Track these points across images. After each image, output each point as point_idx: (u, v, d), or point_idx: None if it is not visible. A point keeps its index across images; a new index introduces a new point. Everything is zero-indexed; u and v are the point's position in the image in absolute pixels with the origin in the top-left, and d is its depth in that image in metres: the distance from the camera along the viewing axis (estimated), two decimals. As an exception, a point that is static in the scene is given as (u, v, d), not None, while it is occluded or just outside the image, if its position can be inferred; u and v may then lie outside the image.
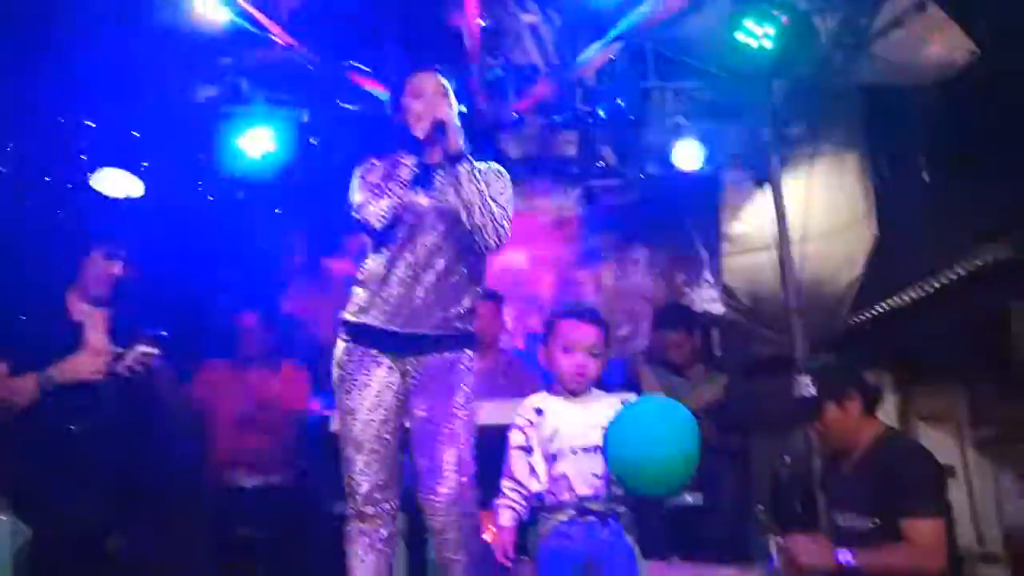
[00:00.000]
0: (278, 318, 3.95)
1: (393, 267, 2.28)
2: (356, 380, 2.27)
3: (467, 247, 2.31)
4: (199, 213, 4.30)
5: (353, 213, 2.30)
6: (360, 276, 2.34)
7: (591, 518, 2.05)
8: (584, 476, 2.05)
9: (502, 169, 2.45)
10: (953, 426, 4.39)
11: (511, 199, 2.40)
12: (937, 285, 3.73)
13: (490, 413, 2.95)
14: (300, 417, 3.63)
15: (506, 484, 2.15)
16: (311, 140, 4.12)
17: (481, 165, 2.36)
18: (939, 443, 4.35)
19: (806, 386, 2.61)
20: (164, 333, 2.77)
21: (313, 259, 4.72)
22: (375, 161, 2.38)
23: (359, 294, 2.33)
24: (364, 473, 2.22)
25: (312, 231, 4.69)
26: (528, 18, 3.99)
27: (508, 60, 4.10)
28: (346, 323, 2.33)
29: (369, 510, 2.21)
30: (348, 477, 2.24)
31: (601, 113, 4.21)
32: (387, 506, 2.24)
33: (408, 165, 2.28)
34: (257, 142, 3.91)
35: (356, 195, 2.32)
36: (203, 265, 4.21)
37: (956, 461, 4.29)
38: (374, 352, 2.28)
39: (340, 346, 2.32)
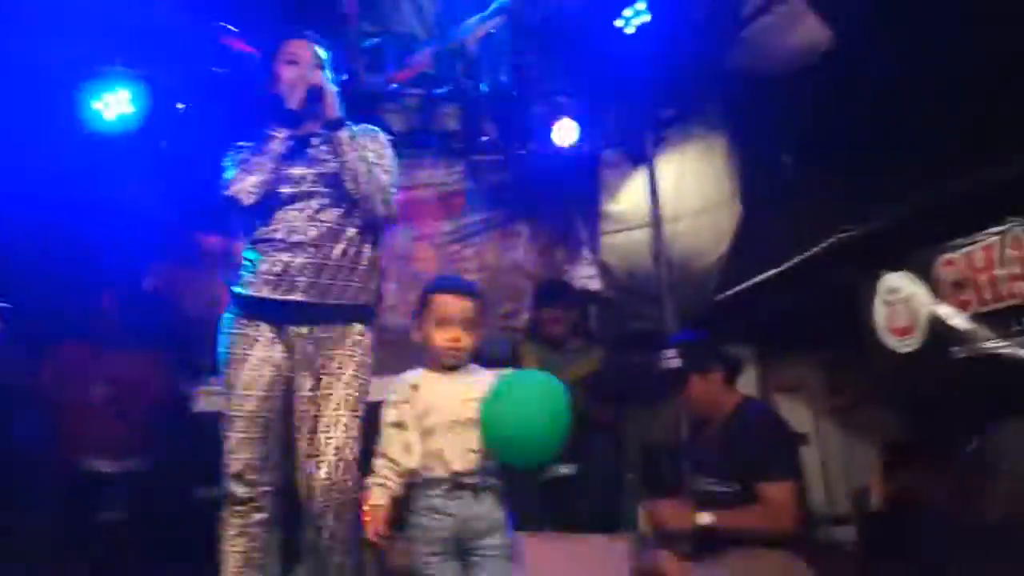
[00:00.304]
0: (140, 297, 3.72)
1: (273, 238, 2.21)
2: (235, 354, 2.18)
3: (355, 214, 2.26)
4: (54, 180, 3.98)
5: (223, 192, 2.23)
6: (244, 251, 2.27)
7: (465, 492, 2.04)
8: (458, 451, 2.04)
9: (379, 131, 2.41)
10: (808, 396, 4.69)
11: (394, 162, 2.38)
12: (795, 263, 3.94)
13: (373, 389, 2.93)
14: (161, 399, 3.45)
15: (378, 462, 2.11)
16: (178, 105, 3.89)
17: (358, 129, 2.31)
18: (795, 412, 4.63)
19: (672, 359, 2.71)
20: (7, 305, 2.56)
21: (182, 233, 4.47)
22: (243, 143, 2.31)
23: (244, 267, 2.25)
24: (236, 452, 2.13)
25: (182, 203, 4.44)
26: (408, -15, 3.91)
27: (387, 29, 4.01)
28: (232, 295, 2.26)
29: (241, 491, 2.12)
30: (224, 456, 2.16)
31: (483, 87, 4.19)
32: (262, 488, 2.16)
33: (279, 137, 2.22)
34: (116, 105, 3.66)
35: (227, 175, 2.25)
36: (62, 236, 3.91)
37: (810, 429, 4.59)
38: (256, 324, 2.20)
39: (225, 318, 2.24)
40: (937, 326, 3.47)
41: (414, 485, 2.10)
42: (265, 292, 2.18)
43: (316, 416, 2.17)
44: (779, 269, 4.10)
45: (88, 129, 3.74)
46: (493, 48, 4.14)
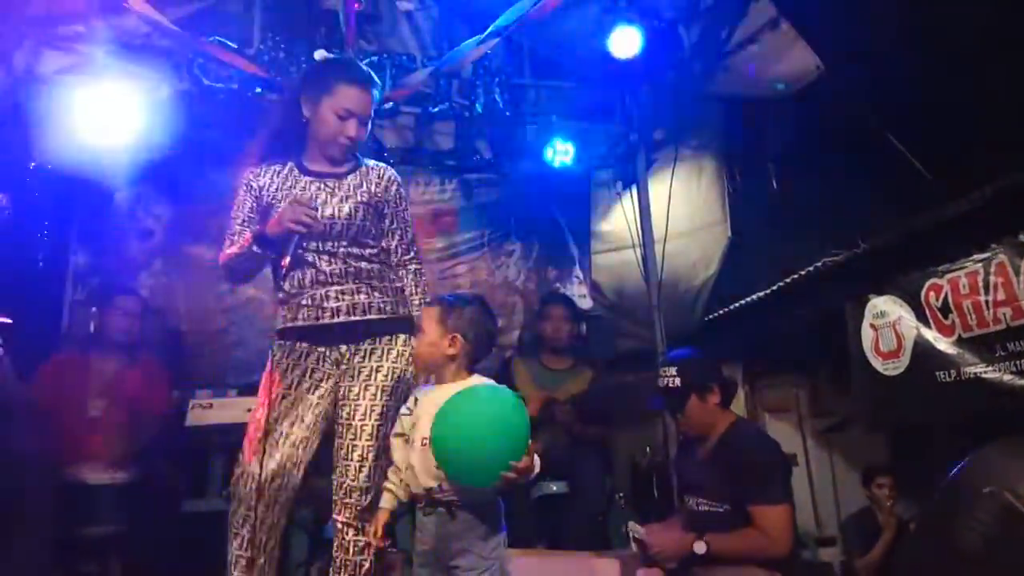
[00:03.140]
0: (133, 310, 3.71)
1: (304, 273, 2.28)
2: (288, 376, 2.28)
3: (369, 246, 2.34)
4: (49, 192, 3.99)
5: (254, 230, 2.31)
6: (279, 291, 2.32)
7: (439, 509, 2.03)
8: (427, 467, 2.02)
9: (395, 174, 2.46)
10: (795, 417, 4.73)
11: (407, 202, 2.47)
12: (782, 285, 3.99)
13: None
14: (154, 412, 3.45)
15: (390, 469, 2.17)
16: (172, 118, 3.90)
17: (376, 168, 2.40)
18: (783, 433, 4.68)
19: (671, 377, 2.70)
20: (8, 320, 2.56)
21: (172, 245, 4.46)
22: (261, 170, 2.37)
23: (282, 306, 2.33)
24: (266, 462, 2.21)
25: (173, 216, 4.44)
26: (404, 5, 3.96)
27: (384, 48, 4.05)
28: (277, 330, 2.34)
29: (260, 498, 2.17)
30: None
31: (478, 107, 4.23)
32: (282, 496, 2.21)
33: (297, 176, 2.33)
34: (119, 117, 3.66)
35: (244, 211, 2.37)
36: (54, 250, 3.91)
37: (798, 450, 4.63)
38: (305, 346, 2.29)
39: (274, 349, 2.33)
40: (922, 350, 3.52)
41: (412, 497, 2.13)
42: (308, 320, 2.36)
43: (346, 431, 2.26)
44: (767, 291, 4.15)
45: (86, 142, 3.74)
46: (488, 69, 4.19)
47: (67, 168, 3.86)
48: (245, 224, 2.33)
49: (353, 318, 2.27)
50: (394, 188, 2.40)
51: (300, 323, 2.28)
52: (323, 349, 2.31)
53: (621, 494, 3.94)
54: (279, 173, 2.35)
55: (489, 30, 3.62)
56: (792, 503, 2.54)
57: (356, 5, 3.67)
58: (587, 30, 3.61)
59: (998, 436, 2.77)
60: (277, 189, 2.31)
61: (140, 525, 3.16)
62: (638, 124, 4.13)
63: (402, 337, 2.33)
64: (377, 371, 2.28)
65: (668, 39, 3.40)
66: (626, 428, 4.30)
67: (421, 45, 4.12)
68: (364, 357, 2.29)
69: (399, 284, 2.39)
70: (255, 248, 2.22)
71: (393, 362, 2.30)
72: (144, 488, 3.29)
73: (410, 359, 2.31)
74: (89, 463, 3.28)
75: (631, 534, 2.70)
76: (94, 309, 3.53)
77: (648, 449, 4.21)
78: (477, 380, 2.13)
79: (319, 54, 2.52)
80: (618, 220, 4.58)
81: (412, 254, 2.46)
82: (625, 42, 3.47)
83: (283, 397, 2.26)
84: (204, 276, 4.19)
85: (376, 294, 2.30)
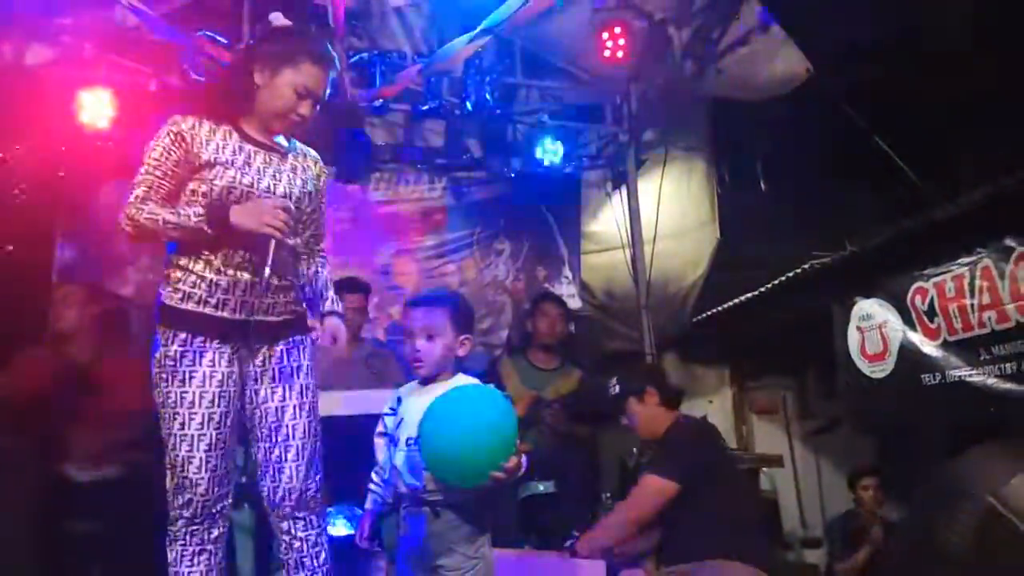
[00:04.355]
0: (117, 306, 3.68)
1: (216, 253, 2.04)
2: (195, 371, 2.04)
3: (299, 233, 2.17)
4: (36, 184, 3.95)
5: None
6: (181, 262, 2.06)
7: (423, 509, 2.00)
8: (412, 466, 2.00)
9: (318, 158, 2.28)
10: (782, 419, 4.76)
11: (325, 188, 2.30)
12: (770, 286, 4.01)
13: (352, 403, 2.90)
14: (138, 408, 3.42)
15: (374, 470, 2.14)
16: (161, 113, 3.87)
17: (308, 151, 2.25)
18: (769, 435, 4.71)
19: (613, 385, 2.87)
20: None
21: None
22: (195, 122, 2.09)
23: (183, 279, 2.06)
24: (201, 472, 2.01)
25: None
26: (395, 2, 3.94)
27: (374, 44, 4.03)
28: (172, 310, 2.05)
29: (204, 509, 2.03)
30: (182, 477, 2.02)
31: (468, 105, 4.22)
32: (222, 505, 2.08)
33: (240, 143, 2.09)
34: (102, 109, 3.64)
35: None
36: (39, 239, 3.87)
37: (784, 451, 4.65)
38: (208, 341, 2.04)
39: (166, 335, 2.04)
40: (908, 353, 3.54)
41: (397, 499, 2.11)
42: (216, 310, 2.12)
43: (278, 428, 2.10)
44: (755, 292, 4.17)
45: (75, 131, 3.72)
46: (479, 67, 4.18)
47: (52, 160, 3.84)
48: (166, 178, 2.03)
49: (272, 318, 2.11)
50: (323, 176, 2.27)
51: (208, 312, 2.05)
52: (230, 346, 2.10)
53: (608, 494, 3.93)
54: (216, 132, 2.09)
55: (480, 28, 3.61)
56: (676, 484, 2.53)
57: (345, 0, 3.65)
58: (578, 29, 3.61)
59: (982, 439, 2.80)
60: (218, 150, 2.06)
61: (122, 522, 3.14)
62: (628, 124, 4.13)
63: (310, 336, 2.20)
64: (298, 370, 2.15)
65: (658, 39, 3.40)
66: (613, 428, 4.30)
67: (412, 43, 4.10)
68: (282, 357, 2.14)
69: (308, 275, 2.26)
70: (207, 229, 1.96)
71: (310, 360, 2.18)
72: (128, 484, 3.27)
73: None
74: (74, 459, 3.25)
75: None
76: (79, 305, 3.49)
77: (635, 450, 4.21)
78: (463, 379, 2.10)
79: (277, 18, 2.18)
80: (608, 220, 4.58)
81: (322, 245, 2.33)
82: (616, 42, 3.46)
83: (192, 403, 2.05)
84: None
85: (292, 292, 2.15)
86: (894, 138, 3.82)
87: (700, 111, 4.12)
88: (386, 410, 2.16)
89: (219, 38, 3.64)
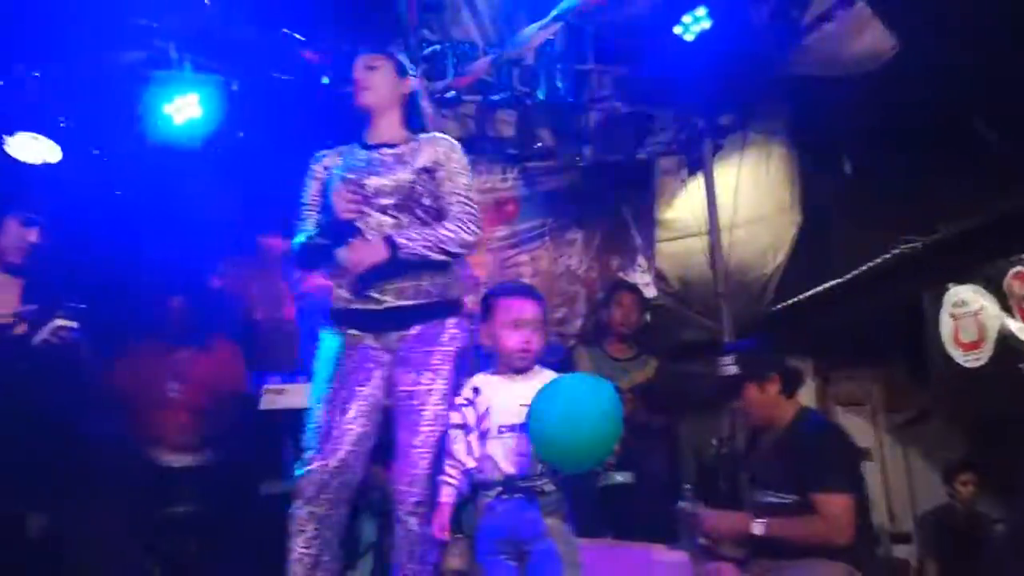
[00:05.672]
0: (208, 298, 3.82)
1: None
2: (343, 363, 2.22)
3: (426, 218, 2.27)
4: (124, 183, 4.12)
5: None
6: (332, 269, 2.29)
7: (518, 496, 2.04)
8: (510, 454, 2.05)
9: (454, 141, 2.40)
10: (869, 411, 4.61)
11: (468, 170, 2.37)
12: (855, 274, 3.88)
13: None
14: (231, 396, 3.55)
15: (447, 461, 2.15)
16: (242, 111, 3.99)
17: (432, 138, 2.36)
18: (856, 427, 4.56)
19: (728, 366, 2.71)
20: (83, 306, 2.64)
21: (247, 235, 4.58)
22: (325, 152, 2.38)
23: (337, 284, 2.28)
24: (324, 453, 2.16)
25: (246, 206, 4.55)
26: (465, -8, 3.96)
27: (446, 35, 4.06)
28: (330, 311, 2.29)
29: (318, 491, 2.13)
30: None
31: (540, 94, 4.21)
32: (344, 492, 2.17)
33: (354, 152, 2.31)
34: (184, 109, 3.76)
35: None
36: (129, 239, 4.04)
37: (872, 444, 4.51)
38: (357, 333, 2.23)
39: (325, 334, 2.27)
40: (1007, 341, 3.39)
41: (476, 487, 2.13)
42: (360, 303, 2.29)
43: (406, 415, 2.20)
44: (839, 280, 4.04)
45: (156, 133, 3.85)
46: (550, 55, 4.16)
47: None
48: (310, 209, 2.34)
49: (402, 303, 2.22)
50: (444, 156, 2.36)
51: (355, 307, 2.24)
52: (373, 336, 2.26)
53: (688, 485, 3.89)
54: (342, 153, 2.37)
55: (551, 15, 3.60)
56: (859, 494, 2.47)
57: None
58: (652, 13, 3.55)
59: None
60: (336, 166, 2.34)
61: (217, 506, 3.26)
62: (704, 109, 4.04)
63: (451, 320, 2.27)
64: (430, 355, 2.23)
65: (737, 19, 3.31)
66: (692, 418, 4.25)
67: (483, 32, 4.10)
68: (415, 343, 2.24)
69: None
70: (318, 240, 2.23)
71: (445, 345, 2.25)
72: (221, 470, 3.39)
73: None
74: (168, 445, 3.39)
75: (681, 513, 2.69)
76: (171, 297, 3.63)
77: (715, 440, 4.15)
78: (546, 372, 2.15)
79: None
80: (683, 207, 4.51)
81: (461, 216, 2.33)
82: (692, 24, 3.40)
83: (337, 389, 2.21)
84: (275, 264, 4.29)
85: (425, 276, 2.24)
86: (988, 114, 3.64)
87: (780, 92, 4.00)
88: (460, 401, 2.16)
89: (297, 36, 3.72)
